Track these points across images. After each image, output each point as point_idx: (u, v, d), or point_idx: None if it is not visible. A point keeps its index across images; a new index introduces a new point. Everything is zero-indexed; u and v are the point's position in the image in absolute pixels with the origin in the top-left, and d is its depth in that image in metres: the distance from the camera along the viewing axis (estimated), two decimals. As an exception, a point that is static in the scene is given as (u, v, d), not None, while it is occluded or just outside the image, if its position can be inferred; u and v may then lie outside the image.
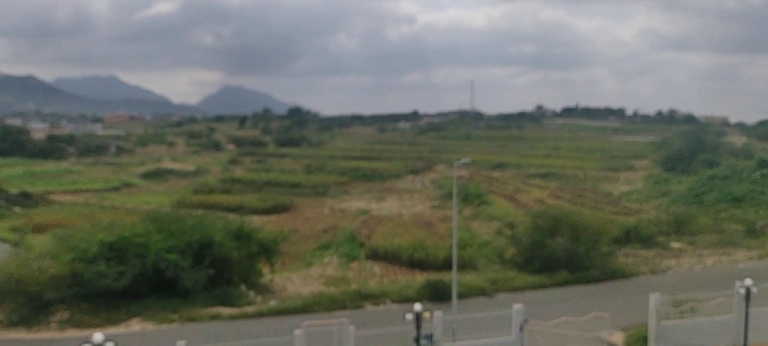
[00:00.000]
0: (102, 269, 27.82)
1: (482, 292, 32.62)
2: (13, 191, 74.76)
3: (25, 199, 71.50)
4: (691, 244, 42.89)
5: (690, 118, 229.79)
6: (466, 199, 71.80)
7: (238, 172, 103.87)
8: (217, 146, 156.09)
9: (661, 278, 35.09)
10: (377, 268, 41.05)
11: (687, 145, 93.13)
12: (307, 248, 50.69)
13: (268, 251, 35.05)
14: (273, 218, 65.63)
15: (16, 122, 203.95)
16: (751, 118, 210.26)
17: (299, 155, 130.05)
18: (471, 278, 34.79)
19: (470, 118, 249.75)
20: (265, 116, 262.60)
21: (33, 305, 27.69)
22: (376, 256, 43.48)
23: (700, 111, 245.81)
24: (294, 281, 36.82)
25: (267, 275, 35.56)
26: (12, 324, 27.31)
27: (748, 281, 23.62)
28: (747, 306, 23.50)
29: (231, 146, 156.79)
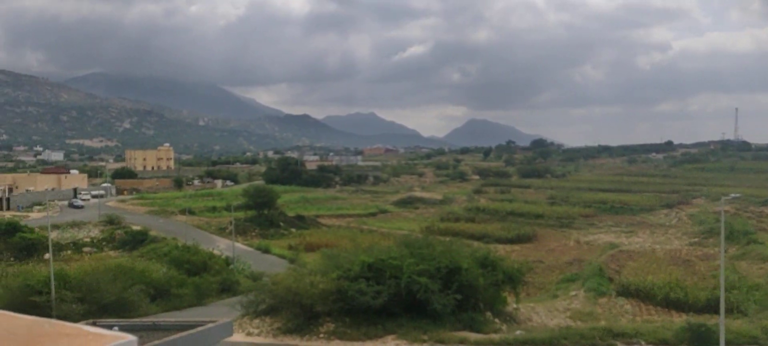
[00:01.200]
0: (362, 287, 30.22)
1: (754, 340, 29.09)
2: (291, 214, 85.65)
3: (300, 221, 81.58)
4: None
5: None
6: (731, 236, 64.43)
7: (482, 202, 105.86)
8: (462, 177, 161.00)
9: None
10: (628, 305, 39.02)
11: None
12: (552, 279, 50.01)
13: (513, 279, 35.39)
14: (516, 247, 65.88)
15: (294, 155, 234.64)
16: None
17: (542, 186, 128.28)
18: (739, 324, 31.22)
19: (734, 148, 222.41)
20: (508, 148, 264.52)
21: (305, 315, 30.95)
22: (626, 292, 41.35)
23: None
24: (539, 312, 36.67)
25: (512, 304, 35.88)
26: (288, 331, 31.12)
27: None
28: None
29: (475, 177, 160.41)
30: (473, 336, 29.79)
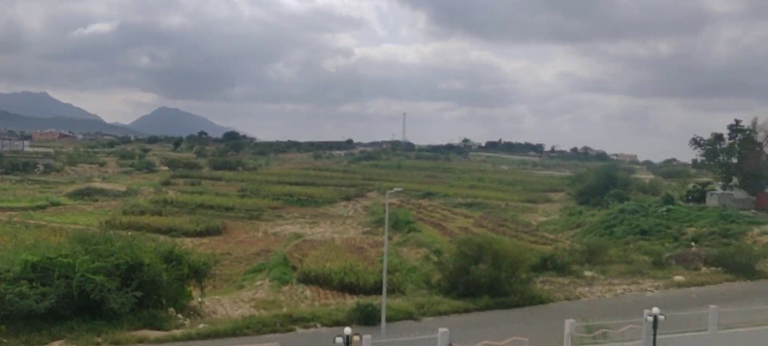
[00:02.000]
0: (24, 289, 27.25)
1: (410, 316, 33.85)
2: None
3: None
4: (602, 273, 45.50)
5: (602, 156, 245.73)
6: (396, 225, 73.46)
7: (171, 194, 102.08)
8: (150, 168, 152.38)
9: (575, 305, 37.27)
10: (308, 291, 41.77)
11: (599, 181, 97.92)
12: (239, 271, 50.88)
13: (198, 273, 35.25)
14: (205, 240, 65.27)
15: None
16: (657, 158, 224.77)
17: (234, 179, 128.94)
18: (399, 302, 36.03)
19: (402, 148, 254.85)
20: (200, 139, 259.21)
21: None
22: (307, 279, 44.17)
23: (611, 149, 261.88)
24: (224, 304, 37.11)
25: (197, 298, 35.71)
26: None
27: (656, 310, 25.78)
28: (654, 333, 25.65)
29: (164, 168, 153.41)
30: (153, 334, 28.98)
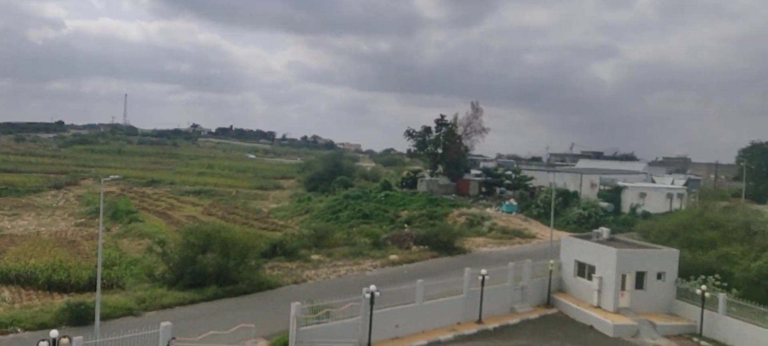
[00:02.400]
0: None
1: (130, 312, 31.87)
2: None
3: None
4: (328, 255, 48.24)
5: (330, 144, 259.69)
6: (115, 216, 68.61)
7: None
8: None
9: (302, 288, 38.85)
10: (7, 292, 36.74)
11: (327, 168, 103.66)
12: None
13: None
14: None
15: None
16: (379, 147, 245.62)
17: None
18: (118, 298, 33.69)
19: (123, 132, 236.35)
20: None
21: None
22: (6, 279, 38.86)
23: (338, 138, 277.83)
24: None
25: None
26: None
27: (372, 287, 28.19)
28: (371, 309, 27.96)
29: None
30: None
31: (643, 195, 72.54)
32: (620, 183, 75.92)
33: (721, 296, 33.44)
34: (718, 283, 36.21)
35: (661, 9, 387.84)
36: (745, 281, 36.25)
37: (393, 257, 49.00)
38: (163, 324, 23.47)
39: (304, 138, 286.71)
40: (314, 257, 47.54)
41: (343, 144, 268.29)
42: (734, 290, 35.42)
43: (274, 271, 42.57)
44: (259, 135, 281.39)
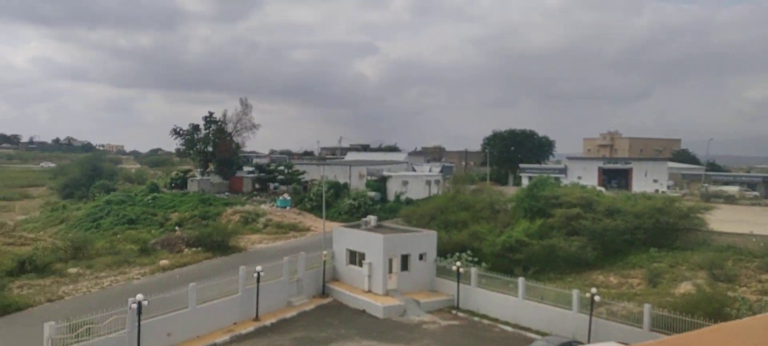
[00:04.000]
0: None
1: None
2: None
3: None
4: (89, 267, 44.44)
5: (88, 147, 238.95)
6: None
7: None
8: None
9: (59, 305, 35.44)
10: None
11: (85, 172, 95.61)
12: None
13: None
14: None
15: None
16: (144, 147, 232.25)
17: None
18: None
19: None
20: None
21: None
22: None
23: (98, 139, 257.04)
24: None
25: None
26: None
27: (139, 296, 26.69)
28: (139, 319, 26.46)
29: None
30: None
31: (405, 183, 78.41)
32: (385, 173, 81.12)
33: (473, 270, 37.79)
34: (470, 259, 40.84)
35: (413, 10, 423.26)
36: (492, 254, 41.43)
37: (163, 262, 46.88)
38: None
39: (57, 140, 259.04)
40: (72, 270, 43.50)
41: (103, 146, 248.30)
42: (483, 264, 40.26)
43: (24, 290, 38.17)
44: (2, 139, 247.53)
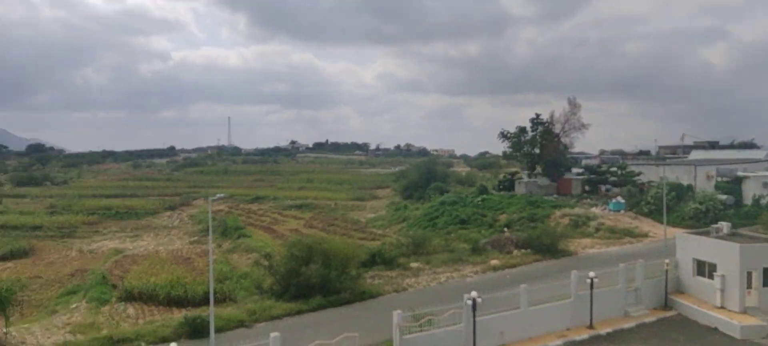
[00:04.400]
0: None
1: (241, 323, 33.19)
2: None
3: None
4: (427, 263, 48.10)
5: (423, 152, 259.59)
6: (225, 232, 71.60)
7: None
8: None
9: (403, 296, 38.94)
10: (131, 309, 39.26)
11: (421, 175, 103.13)
12: (52, 295, 46.42)
13: (2, 302, 31.64)
14: (9, 264, 58.81)
15: None
16: (472, 151, 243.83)
17: (41, 195, 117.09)
18: (230, 310, 35.20)
19: (228, 153, 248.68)
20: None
21: None
22: (130, 297, 41.51)
23: (431, 145, 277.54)
24: (34, 333, 33.68)
25: (1, 329, 32.03)
26: None
27: (474, 293, 27.77)
28: (474, 315, 27.56)
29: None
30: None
31: (767, 185, 67.19)
32: (740, 173, 70.71)
33: None
34: None
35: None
36: None
37: (494, 262, 48.14)
38: (273, 335, 24.21)
39: (398, 147, 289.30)
40: (413, 264, 47.56)
41: (436, 150, 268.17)
42: None
43: (375, 280, 42.96)
44: (355, 147, 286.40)
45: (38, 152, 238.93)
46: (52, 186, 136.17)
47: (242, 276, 46.88)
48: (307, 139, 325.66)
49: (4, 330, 32.25)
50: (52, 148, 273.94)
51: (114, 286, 45.50)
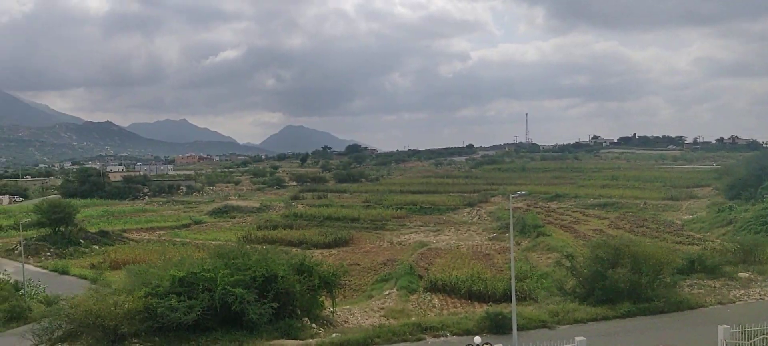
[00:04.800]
0: (173, 303, 28.59)
1: (543, 324, 32.40)
2: (92, 230, 78.85)
3: (103, 237, 75.30)
4: (760, 273, 41.28)
5: (753, 145, 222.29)
6: (523, 230, 71.47)
7: (300, 208, 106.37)
8: (279, 184, 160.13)
9: (730, 309, 33.97)
10: (436, 300, 41.41)
11: (751, 172, 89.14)
12: (367, 281, 51.57)
13: (329, 284, 35.84)
14: (334, 251, 67.09)
15: (96, 166, 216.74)
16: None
17: (358, 191, 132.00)
18: (531, 309, 34.69)
19: (526, 150, 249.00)
20: (324, 154, 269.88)
21: (109, 338, 28.57)
22: (434, 288, 43.88)
23: (763, 137, 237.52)
24: (355, 314, 37.58)
25: (328, 308, 36.39)
26: (90, 357, 28.54)
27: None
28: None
29: (293, 183, 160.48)
30: (290, 343, 29.75)
31: None
32: None
33: None
34: None
35: None
36: None
37: None
38: (578, 338, 23.13)
39: (720, 140, 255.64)
40: (742, 274, 41.20)
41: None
42: None
43: (694, 289, 38.30)
44: (666, 141, 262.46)
45: (355, 152, 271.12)
46: (367, 182, 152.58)
47: (542, 276, 46.13)
48: (610, 133, 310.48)
49: (331, 309, 36.56)
50: (366, 148, 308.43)
51: (420, 276, 48.62)
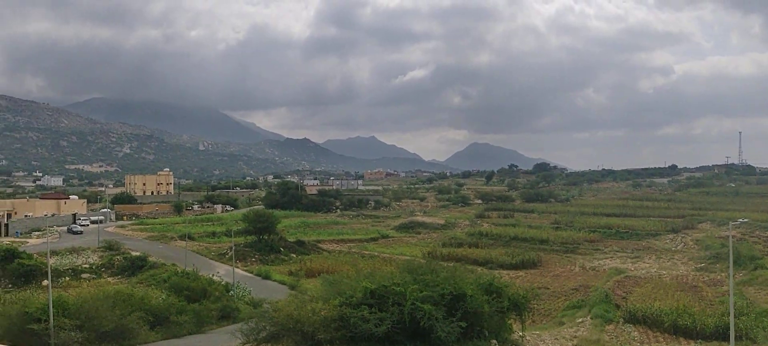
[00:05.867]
0: (365, 313, 29.20)
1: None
2: (291, 239, 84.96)
3: (300, 247, 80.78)
4: None
5: None
6: (737, 262, 63.74)
7: (485, 226, 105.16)
8: (464, 201, 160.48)
9: None
10: (636, 332, 38.24)
11: None
12: (557, 306, 49.26)
13: (518, 306, 34.58)
14: (521, 273, 65.20)
15: (294, 179, 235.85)
16: None
17: (546, 211, 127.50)
18: (750, 352, 30.56)
19: (739, 172, 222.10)
20: (510, 172, 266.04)
21: (307, 343, 29.80)
22: (634, 319, 40.62)
23: None
24: (545, 340, 35.95)
25: (517, 332, 35.13)
26: (290, 361, 30.13)
27: None
28: None
29: (478, 201, 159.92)
30: (479, 365, 29.04)
31: None
32: None
33: None
34: None
35: None
36: None
37: None
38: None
39: None
40: None
41: None
42: None
43: None
44: None
45: (543, 171, 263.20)
46: (556, 203, 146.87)
47: (762, 314, 40.61)
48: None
49: (520, 333, 35.21)
50: (555, 167, 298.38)
51: (616, 306, 45.28)
